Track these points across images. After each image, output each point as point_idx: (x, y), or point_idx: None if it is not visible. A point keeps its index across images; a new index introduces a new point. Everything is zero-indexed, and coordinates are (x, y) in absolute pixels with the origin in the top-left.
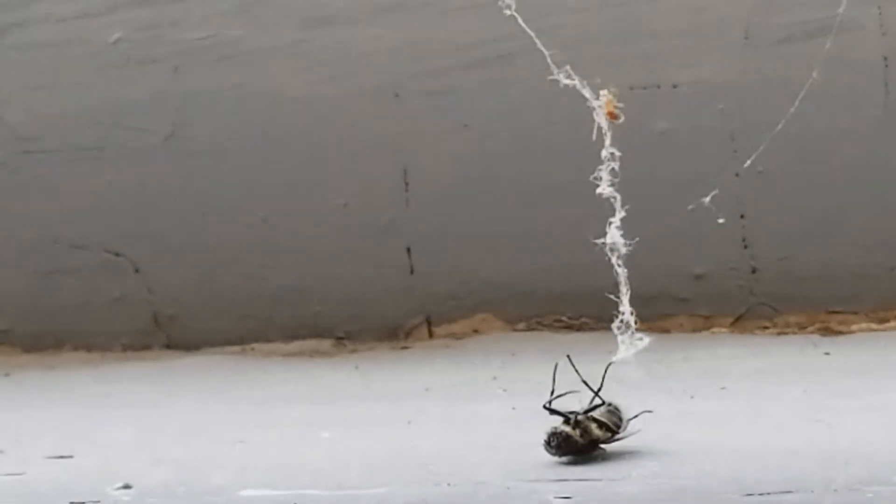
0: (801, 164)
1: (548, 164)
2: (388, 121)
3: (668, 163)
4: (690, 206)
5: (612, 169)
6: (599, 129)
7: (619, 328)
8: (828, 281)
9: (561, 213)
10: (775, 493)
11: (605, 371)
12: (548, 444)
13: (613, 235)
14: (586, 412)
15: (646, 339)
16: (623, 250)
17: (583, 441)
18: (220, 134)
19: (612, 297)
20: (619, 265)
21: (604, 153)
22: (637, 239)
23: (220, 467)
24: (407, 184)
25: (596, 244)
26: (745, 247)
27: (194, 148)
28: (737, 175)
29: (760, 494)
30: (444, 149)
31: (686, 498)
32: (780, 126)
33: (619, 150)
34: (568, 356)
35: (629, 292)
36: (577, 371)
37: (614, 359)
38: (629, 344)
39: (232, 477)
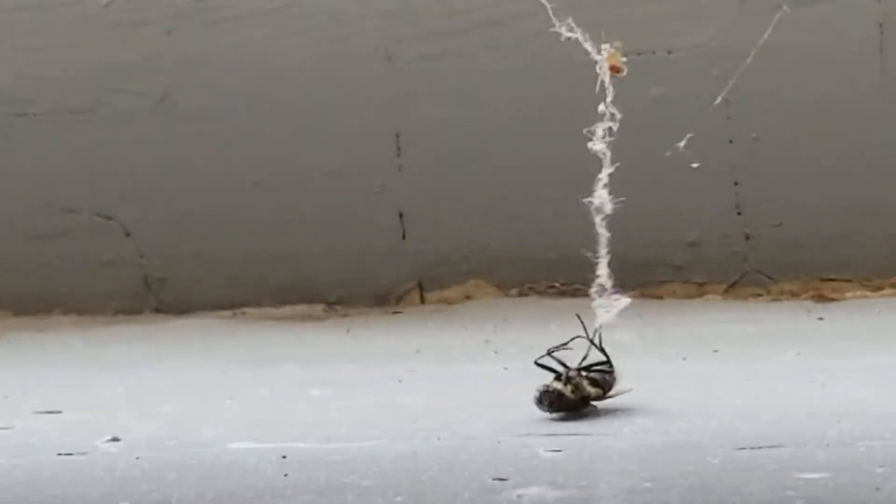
0: (795, 131)
1: (541, 130)
2: (381, 85)
3: (661, 129)
4: (667, 153)
5: (609, 128)
6: (602, 84)
7: (596, 292)
8: (821, 248)
9: (554, 179)
10: (767, 447)
11: (597, 331)
12: (539, 401)
13: (601, 196)
14: (578, 369)
15: (624, 300)
16: (609, 211)
17: (574, 397)
18: (212, 98)
19: (592, 258)
20: (601, 226)
21: (601, 108)
22: (624, 199)
23: (208, 422)
24: (399, 149)
25: (587, 204)
26: (739, 214)
27: (187, 112)
28: (731, 142)
29: (753, 448)
30: (436, 114)
31: (678, 452)
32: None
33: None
34: (577, 315)
35: (609, 256)
36: (583, 325)
37: (598, 323)
38: (608, 306)
39: (220, 430)
